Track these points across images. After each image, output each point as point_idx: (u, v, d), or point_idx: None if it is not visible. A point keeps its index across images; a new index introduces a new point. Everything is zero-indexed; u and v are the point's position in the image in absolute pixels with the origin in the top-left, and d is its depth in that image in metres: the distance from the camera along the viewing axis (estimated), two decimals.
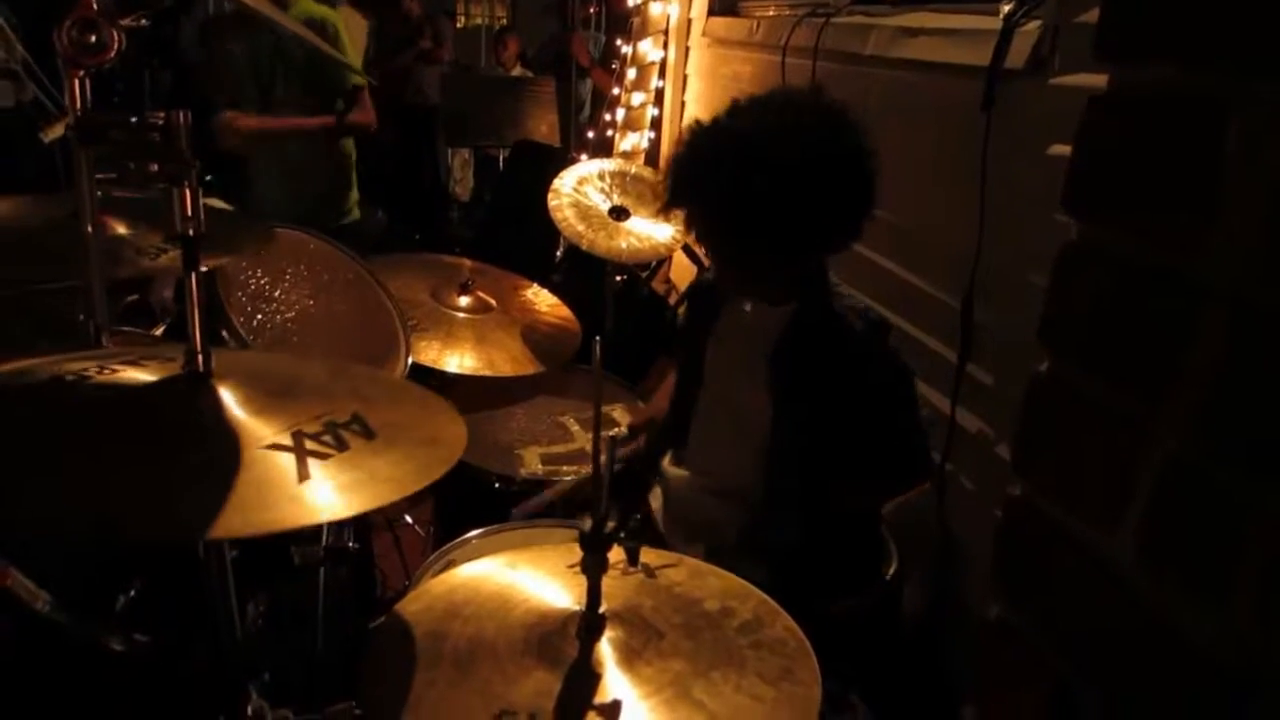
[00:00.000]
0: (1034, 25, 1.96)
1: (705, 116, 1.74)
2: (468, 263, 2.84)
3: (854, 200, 1.65)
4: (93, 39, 1.08)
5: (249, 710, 1.28)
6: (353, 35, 4.31)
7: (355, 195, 3.85)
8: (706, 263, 1.98)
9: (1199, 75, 0.66)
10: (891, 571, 1.96)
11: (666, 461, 2.08)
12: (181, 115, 1.00)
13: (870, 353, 1.73)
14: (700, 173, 1.67)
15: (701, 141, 1.69)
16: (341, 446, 1.03)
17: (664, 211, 1.81)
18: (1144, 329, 0.70)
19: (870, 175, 1.64)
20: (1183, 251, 0.66)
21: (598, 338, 1.18)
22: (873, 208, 1.67)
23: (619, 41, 5.18)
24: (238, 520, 0.87)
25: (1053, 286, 0.78)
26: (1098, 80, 0.76)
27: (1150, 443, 0.69)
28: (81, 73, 1.10)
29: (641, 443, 2.17)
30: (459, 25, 9.70)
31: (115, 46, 1.10)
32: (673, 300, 3.82)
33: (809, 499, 1.73)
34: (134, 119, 1.01)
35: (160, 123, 1.00)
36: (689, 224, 1.75)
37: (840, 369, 1.69)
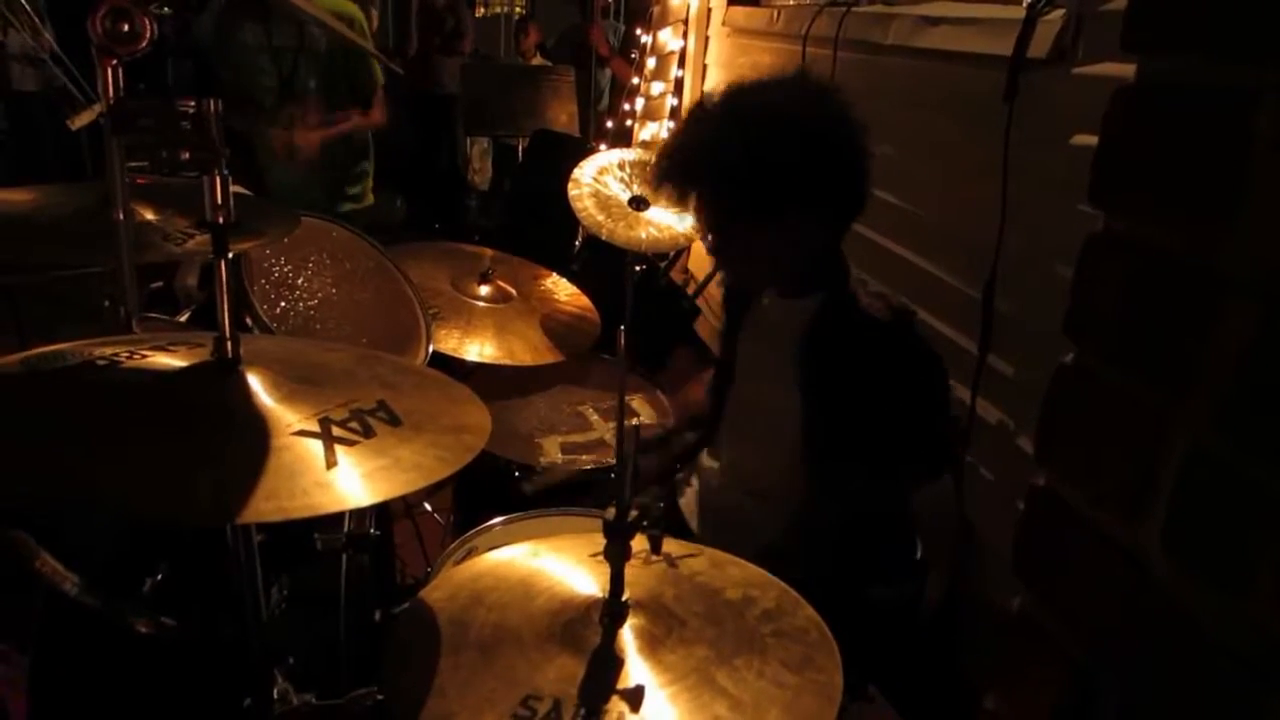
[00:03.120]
0: (1057, 14, 1.95)
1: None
2: (488, 252, 2.84)
3: (849, 167, 1.67)
4: (126, 28, 1.09)
5: (274, 694, 1.29)
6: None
7: (369, 182, 3.87)
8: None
9: (1226, 65, 0.66)
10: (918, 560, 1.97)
11: (702, 459, 2.09)
12: (212, 103, 1.01)
13: (899, 341, 1.72)
14: (706, 149, 1.68)
15: (702, 122, 1.71)
16: (368, 433, 1.04)
17: (676, 199, 1.80)
18: (1169, 320, 0.70)
19: (862, 146, 1.66)
20: (1209, 243, 0.66)
21: (622, 327, 1.19)
22: (867, 180, 1.70)
23: (638, 31, 5.18)
24: (268, 505, 0.88)
25: (1077, 278, 0.78)
26: (1122, 70, 0.76)
27: (1174, 433, 0.69)
28: (114, 61, 1.11)
29: (691, 438, 2.19)
30: (479, 14, 9.71)
31: (148, 35, 1.11)
32: (691, 290, 3.82)
33: (847, 494, 1.72)
34: (164, 107, 1.02)
35: (191, 111, 1.01)
36: (698, 210, 1.75)
37: (869, 360, 1.69)
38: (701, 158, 1.68)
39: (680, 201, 1.75)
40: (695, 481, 2.09)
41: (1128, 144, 0.74)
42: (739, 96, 1.70)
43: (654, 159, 1.79)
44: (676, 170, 1.73)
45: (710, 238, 1.82)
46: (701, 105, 1.73)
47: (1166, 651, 0.73)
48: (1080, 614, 0.82)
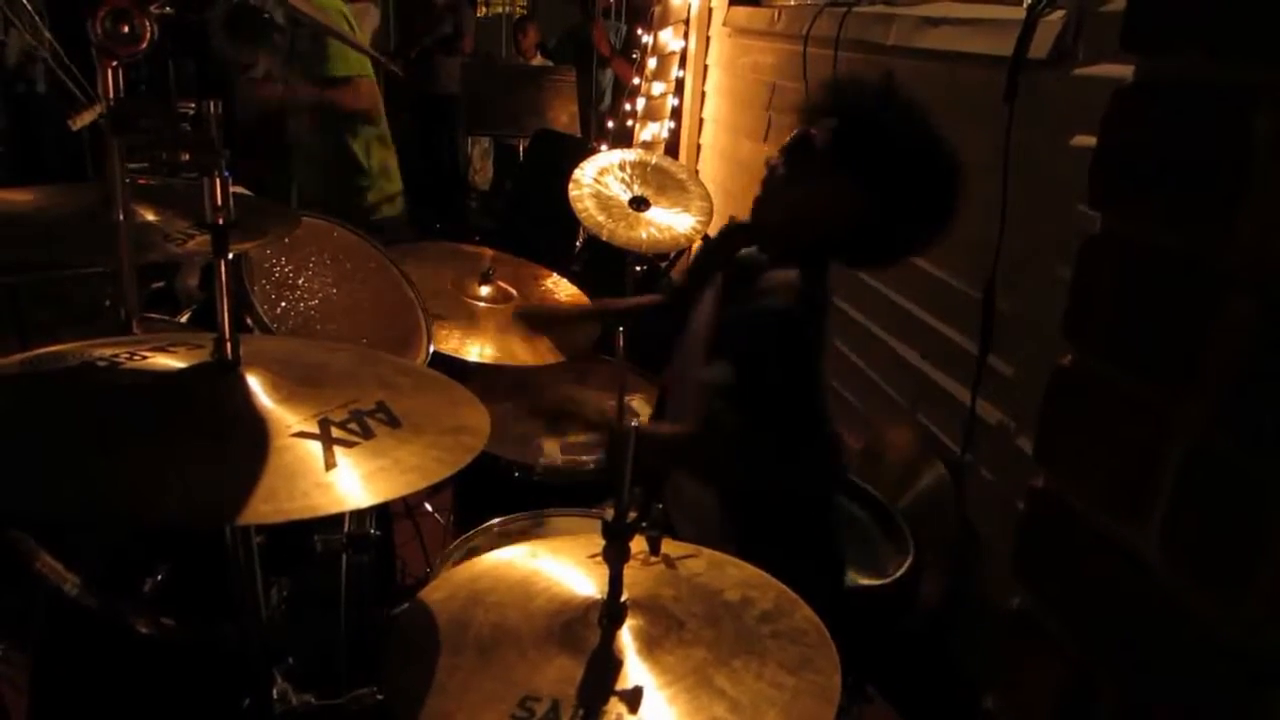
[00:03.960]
0: (1057, 15, 1.95)
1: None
2: (489, 252, 2.84)
3: (930, 233, 1.66)
4: (126, 29, 1.09)
5: (274, 694, 1.29)
6: (361, 24, 4.33)
7: (388, 190, 3.88)
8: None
9: (1226, 64, 0.66)
10: (908, 564, 1.96)
11: None
12: (212, 105, 1.01)
13: (770, 301, 1.70)
14: (883, 109, 1.68)
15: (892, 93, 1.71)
16: (367, 434, 1.04)
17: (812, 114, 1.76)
18: (1168, 320, 0.70)
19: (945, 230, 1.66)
20: (1208, 241, 0.66)
21: (621, 328, 1.19)
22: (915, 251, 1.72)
23: (639, 31, 5.18)
24: (267, 507, 0.88)
25: (1075, 278, 0.78)
26: (1122, 70, 0.76)
27: (1174, 433, 0.69)
28: (114, 62, 1.11)
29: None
30: (480, 14, 9.71)
31: (148, 37, 1.11)
32: None
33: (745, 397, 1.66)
34: (165, 107, 1.03)
35: (191, 112, 1.01)
36: (825, 137, 1.71)
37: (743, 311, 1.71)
38: (875, 112, 1.67)
39: (809, 117, 1.74)
40: None
41: (1126, 144, 0.74)
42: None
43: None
44: (843, 103, 1.72)
45: (787, 167, 1.77)
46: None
47: (1166, 652, 0.73)
48: (1080, 614, 0.82)
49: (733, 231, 2.00)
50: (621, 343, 1.07)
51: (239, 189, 1.73)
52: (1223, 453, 0.67)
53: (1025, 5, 2.03)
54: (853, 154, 1.65)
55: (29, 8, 3.18)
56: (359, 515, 1.66)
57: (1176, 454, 0.69)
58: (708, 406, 1.65)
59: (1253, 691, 0.66)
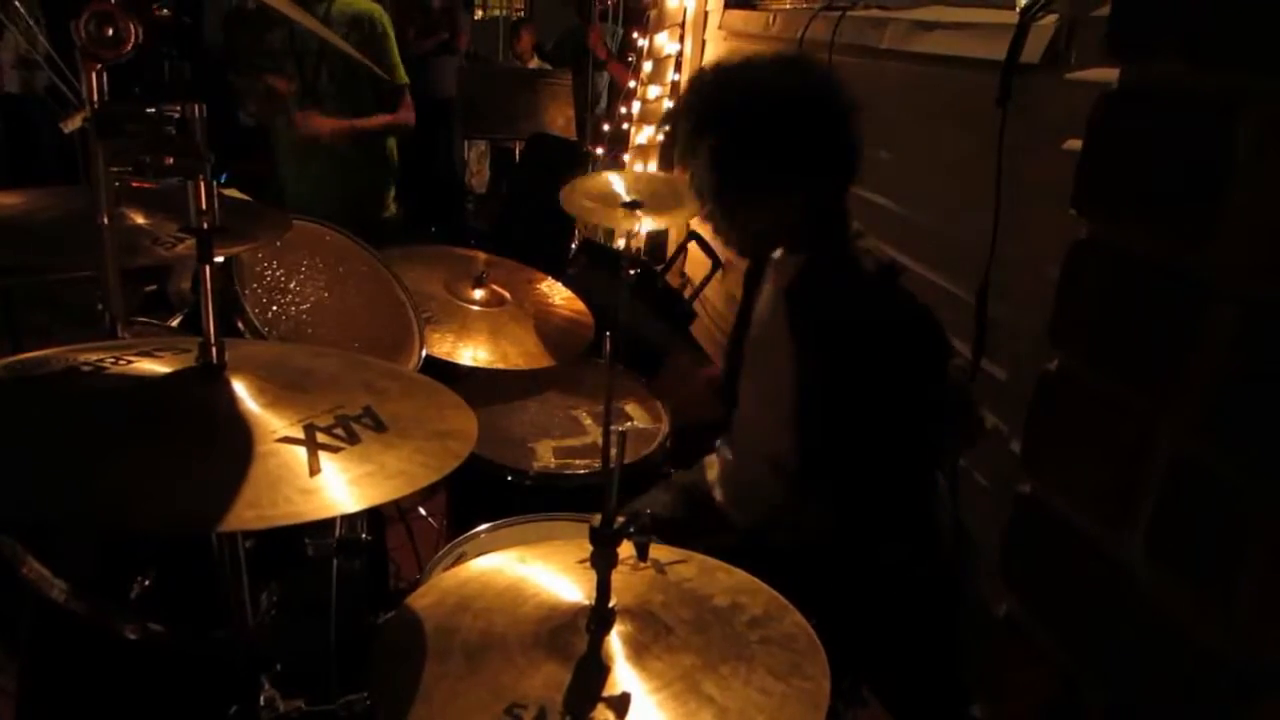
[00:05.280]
0: (1050, 20, 1.95)
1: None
2: (482, 256, 2.84)
3: (832, 136, 1.71)
4: (110, 32, 1.09)
5: (261, 700, 1.29)
6: None
7: (393, 192, 3.88)
8: (723, 246, 1.98)
9: (1209, 72, 0.66)
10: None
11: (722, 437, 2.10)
12: (197, 108, 1.00)
13: (880, 297, 1.72)
14: (714, 104, 1.73)
15: (708, 82, 1.77)
16: (353, 439, 1.03)
17: (679, 158, 1.84)
18: (1152, 327, 0.70)
19: (846, 113, 1.72)
20: (1191, 249, 0.66)
21: (608, 332, 1.18)
22: (855, 146, 1.74)
23: (635, 34, 5.18)
24: (250, 513, 0.88)
25: (1061, 283, 0.78)
26: (1113, 75, 0.76)
27: (1158, 440, 0.69)
28: (99, 66, 1.11)
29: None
30: (477, 17, 9.71)
31: (132, 40, 1.11)
32: (688, 294, 3.81)
33: (841, 464, 1.70)
34: (150, 111, 1.02)
35: (176, 116, 1.00)
36: (706, 164, 1.76)
37: (846, 315, 1.69)
38: (696, 131, 1.73)
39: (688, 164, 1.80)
40: (723, 454, 2.10)
41: (1111, 150, 0.74)
42: (727, 72, 1.75)
43: (663, 130, 1.88)
44: (680, 139, 1.78)
45: (705, 207, 1.86)
46: (698, 78, 1.79)
47: (1151, 657, 0.72)
48: (1066, 621, 0.82)
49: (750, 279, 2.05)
50: (609, 348, 1.07)
51: (233, 191, 1.73)
52: (1206, 461, 0.66)
53: (1018, 10, 2.03)
54: (737, 160, 1.71)
55: (22, 10, 3.18)
56: (350, 520, 1.66)
57: (1161, 461, 0.69)
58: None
59: (1238, 701, 0.65)
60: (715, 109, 1.71)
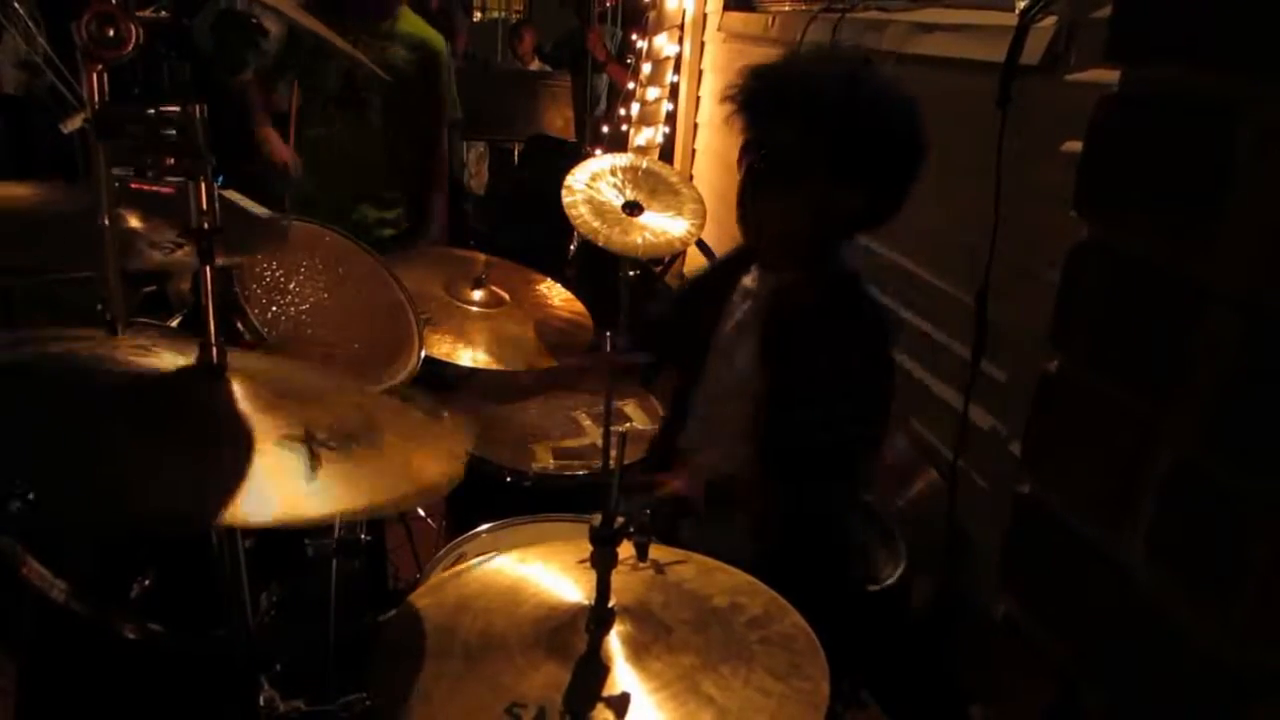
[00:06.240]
0: (1049, 21, 1.96)
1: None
2: (482, 257, 2.84)
3: (912, 173, 1.69)
4: (111, 33, 1.09)
5: (261, 700, 1.29)
6: None
7: (403, 209, 3.86)
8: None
9: (1209, 76, 0.66)
10: (900, 571, 1.96)
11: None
12: (197, 109, 1.00)
13: (843, 302, 1.71)
14: (822, 91, 1.66)
15: (823, 63, 1.74)
16: (348, 449, 1.03)
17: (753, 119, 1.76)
18: (1152, 329, 0.70)
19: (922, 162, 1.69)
20: (1191, 252, 0.66)
21: (608, 333, 1.19)
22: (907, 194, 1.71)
23: (634, 36, 5.18)
24: (248, 512, 0.88)
25: (1062, 286, 0.78)
26: (1113, 77, 0.76)
27: (1158, 443, 0.69)
28: (99, 67, 1.11)
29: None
30: (476, 18, 9.71)
31: (133, 41, 1.11)
32: None
33: (787, 467, 1.68)
34: (151, 113, 1.02)
35: (176, 117, 1.00)
36: (771, 148, 1.72)
37: (813, 321, 1.70)
38: (814, 96, 1.66)
39: (754, 121, 1.73)
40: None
41: (1112, 153, 0.74)
42: (861, 66, 1.71)
43: (749, 78, 1.74)
44: (775, 96, 1.71)
45: (755, 177, 1.79)
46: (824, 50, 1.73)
47: (1149, 659, 0.73)
48: (1064, 621, 0.82)
49: (704, 282, 2.02)
50: (609, 348, 1.07)
51: (233, 194, 1.73)
52: (1207, 466, 0.66)
53: (1017, 12, 2.03)
54: (824, 157, 1.65)
55: (20, 10, 3.18)
56: (350, 520, 1.66)
57: (1162, 464, 0.69)
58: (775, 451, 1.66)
59: (1235, 703, 0.65)
60: (864, 120, 1.65)
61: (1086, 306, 0.77)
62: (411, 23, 3.56)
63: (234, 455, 0.95)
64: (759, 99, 1.72)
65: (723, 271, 1.97)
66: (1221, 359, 0.65)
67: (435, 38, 3.59)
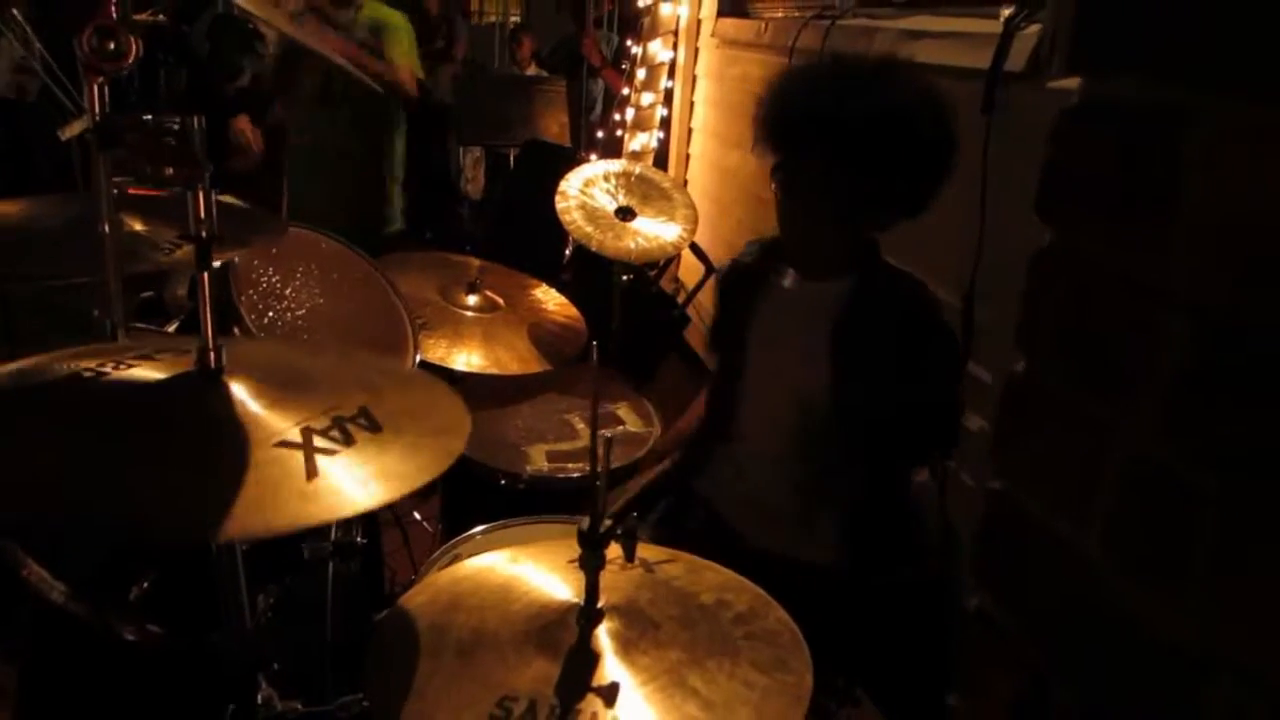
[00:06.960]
0: (1033, 29, 1.98)
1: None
2: (476, 262, 2.86)
3: (944, 173, 1.71)
4: (111, 46, 1.12)
5: (259, 700, 1.31)
6: None
7: (399, 205, 3.94)
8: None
9: (1160, 87, 0.69)
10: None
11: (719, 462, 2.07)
12: (196, 120, 1.03)
13: (936, 321, 1.80)
14: (841, 100, 1.67)
15: (844, 76, 1.73)
16: (349, 441, 1.05)
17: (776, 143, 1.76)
18: (1109, 333, 0.73)
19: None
20: (1145, 258, 0.69)
21: (595, 341, 1.21)
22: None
23: (629, 42, 5.21)
24: (248, 520, 0.90)
25: (1026, 290, 0.81)
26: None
27: (1116, 440, 0.72)
28: (100, 78, 1.13)
29: (669, 463, 2.18)
30: (474, 22, 9.72)
31: (133, 54, 1.13)
32: (681, 299, 3.84)
33: (872, 458, 1.79)
34: (150, 122, 1.05)
35: (175, 127, 1.03)
36: (800, 161, 1.74)
37: (909, 337, 1.76)
38: (838, 122, 1.66)
39: (781, 149, 1.75)
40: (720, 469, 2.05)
41: (1072, 161, 0.77)
42: (896, 70, 1.71)
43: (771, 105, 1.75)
44: (800, 123, 1.72)
45: (788, 178, 1.79)
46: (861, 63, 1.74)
47: (1112, 648, 0.75)
48: (1034, 613, 0.84)
49: (736, 277, 2.04)
50: (595, 356, 1.09)
51: (227, 197, 1.76)
52: (1160, 459, 0.69)
53: (1002, 19, 2.06)
54: (854, 173, 1.67)
55: (18, 18, 3.20)
56: (345, 523, 1.68)
57: (1118, 459, 0.72)
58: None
59: (1191, 685, 0.68)
60: (916, 126, 1.65)
61: (1048, 310, 0.80)
62: (372, 8, 3.77)
63: (232, 462, 0.97)
64: (783, 127, 1.74)
65: (748, 272, 2.00)
66: (1175, 359, 0.67)
67: (391, 13, 3.80)
